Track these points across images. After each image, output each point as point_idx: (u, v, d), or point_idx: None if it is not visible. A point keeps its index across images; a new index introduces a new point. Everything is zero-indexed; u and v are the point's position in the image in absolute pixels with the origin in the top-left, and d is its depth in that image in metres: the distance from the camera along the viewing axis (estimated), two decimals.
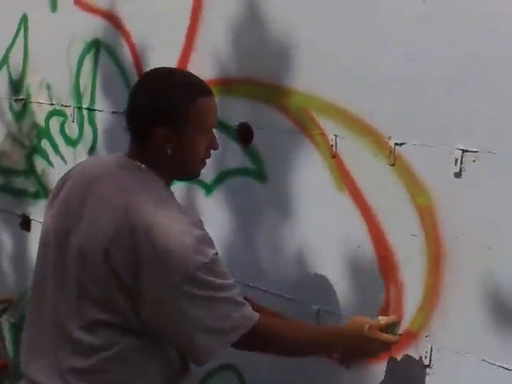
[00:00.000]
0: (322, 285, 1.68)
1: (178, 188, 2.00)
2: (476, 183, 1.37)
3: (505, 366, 1.35)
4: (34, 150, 2.64)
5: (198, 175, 1.42)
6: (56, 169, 2.50)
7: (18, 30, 2.60)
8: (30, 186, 2.68)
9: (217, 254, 1.29)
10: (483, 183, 1.36)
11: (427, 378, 1.47)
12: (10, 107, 2.72)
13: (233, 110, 1.83)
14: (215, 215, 1.92)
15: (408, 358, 1.50)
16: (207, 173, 1.92)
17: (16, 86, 2.67)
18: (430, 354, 1.47)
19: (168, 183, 1.37)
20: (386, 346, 1.44)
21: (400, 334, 1.48)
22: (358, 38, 1.52)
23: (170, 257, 1.22)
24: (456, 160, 1.38)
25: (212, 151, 1.40)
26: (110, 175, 1.34)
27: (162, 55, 2.00)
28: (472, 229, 1.38)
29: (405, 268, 1.50)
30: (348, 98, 1.56)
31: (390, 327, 1.46)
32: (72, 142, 2.44)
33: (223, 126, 1.86)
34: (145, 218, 1.24)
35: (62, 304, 1.30)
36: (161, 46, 2.02)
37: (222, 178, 1.90)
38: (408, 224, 1.48)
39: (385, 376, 1.56)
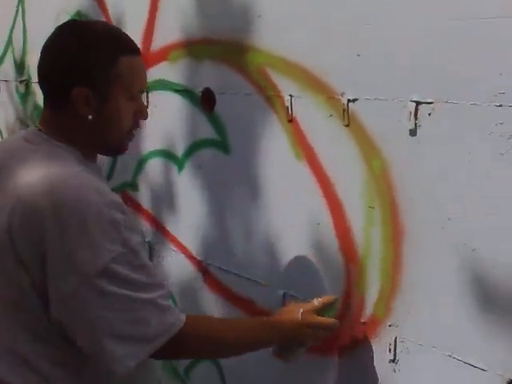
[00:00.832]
0: (287, 268, 1.50)
1: (153, 165, 1.91)
2: (433, 141, 1.14)
3: (474, 364, 1.12)
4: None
5: (124, 150, 1.21)
6: None
7: (16, 11, 2.58)
8: None
9: (141, 243, 1.10)
10: (440, 140, 1.13)
11: (390, 372, 1.26)
12: (16, 89, 2.72)
13: (196, 74, 1.69)
14: (187, 192, 1.79)
15: (371, 349, 1.30)
16: (177, 147, 1.80)
17: (19, 67, 2.66)
18: (395, 346, 1.26)
19: (88, 157, 1.16)
20: (326, 331, 1.25)
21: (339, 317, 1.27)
22: None
23: (77, 245, 1.02)
24: (409, 114, 1.16)
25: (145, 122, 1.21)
26: (16, 150, 1.15)
27: (132, 20, 1.88)
28: (431, 197, 1.15)
29: (364, 245, 1.30)
30: (302, 53, 1.36)
31: (328, 309, 1.26)
32: None
33: (186, 93, 1.72)
34: (45, 201, 1.03)
35: None
36: (131, 10, 1.90)
37: (191, 151, 1.76)
38: (364, 194, 1.27)
39: (346, 368, 1.36)
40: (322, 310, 1.26)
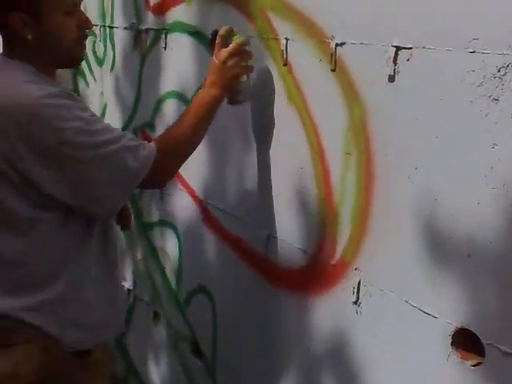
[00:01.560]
0: (272, 210, 1.54)
1: (168, 106, 1.97)
2: (409, 87, 1.13)
3: (427, 311, 1.13)
4: (77, 71, 2.74)
5: (80, 59, 1.37)
6: (90, 89, 2.58)
7: None
8: None
9: (94, 115, 1.29)
10: (416, 87, 1.12)
11: (353, 313, 1.30)
12: None
13: (207, 17, 1.71)
14: None
15: (339, 290, 1.33)
16: (189, 88, 1.85)
17: None
18: (358, 290, 1.28)
19: (45, 71, 1.30)
20: (243, 53, 1.39)
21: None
22: None
23: (38, 128, 1.20)
24: (388, 59, 1.15)
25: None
26: None
27: None
28: (402, 145, 1.15)
29: (339, 191, 1.31)
30: None
31: (231, 37, 1.39)
32: (100, 61, 2.49)
33: (199, 35, 1.76)
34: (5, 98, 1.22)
35: None
36: None
37: None
38: (344, 140, 1.28)
39: (315, 307, 1.40)
40: (227, 40, 1.38)
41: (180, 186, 1.95)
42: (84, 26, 1.32)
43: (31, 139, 1.22)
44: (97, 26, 2.44)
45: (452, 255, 1.08)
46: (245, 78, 1.42)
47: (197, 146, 1.45)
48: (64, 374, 1.35)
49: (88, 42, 2.53)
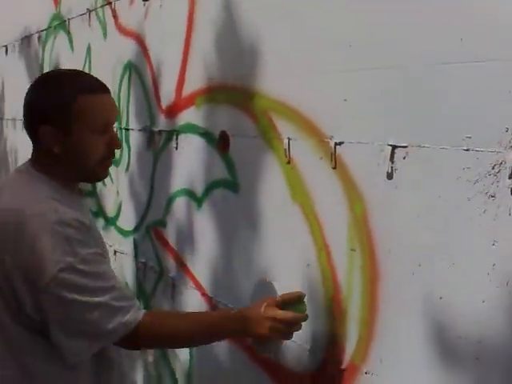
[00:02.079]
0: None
1: (179, 204, 2.00)
2: (407, 184, 1.13)
3: None
4: None
5: (103, 176, 1.34)
6: (107, 188, 2.65)
7: (85, 59, 2.86)
8: (92, 206, 2.87)
9: (97, 253, 1.22)
10: (414, 184, 1.11)
11: None
12: None
13: (215, 118, 1.78)
14: (204, 229, 1.86)
15: None
16: (198, 186, 1.89)
17: None
18: None
19: (67, 185, 1.29)
20: (288, 324, 1.26)
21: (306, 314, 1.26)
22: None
23: (34, 257, 1.18)
24: (385, 158, 1.16)
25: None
26: (8, 179, 1.38)
27: (169, 70, 2.04)
28: (403, 242, 1.13)
29: (346, 290, 1.28)
30: (298, 98, 1.41)
31: (295, 305, 1.26)
32: (116, 162, 2.58)
33: (207, 136, 1.82)
34: (10, 220, 1.21)
35: None
36: (168, 61, 2.06)
37: (208, 190, 1.84)
38: (348, 237, 1.27)
39: None
40: (287, 306, 1.26)
41: (191, 284, 1.94)
42: (113, 145, 1.30)
43: (26, 260, 1.19)
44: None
45: (460, 357, 1.02)
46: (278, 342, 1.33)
47: (183, 347, 1.47)
48: None
49: None
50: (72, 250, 1.18)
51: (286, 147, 1.46)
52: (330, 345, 1.32)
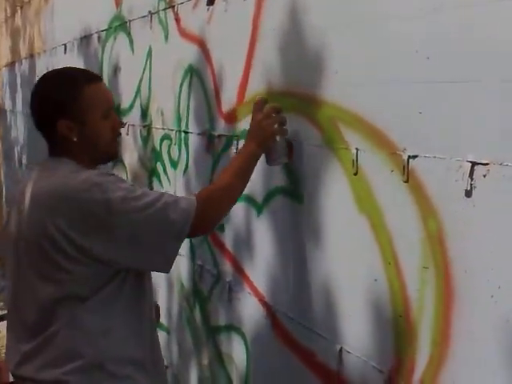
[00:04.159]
0: (344, 321, 1.48)
1: (238, 209, 2.00)
2: (488, 204, 1.08)
3: None
4: (153, 172, 2.88)
5: (115, 154, 1.57)
6: (164, 189, 2.68)
7: (145, 61, 2.90)
8: None
9: (132, 185, 1.47)
10: (495, 204, 1.06)
11: None
12: (140, 133, 3.03)
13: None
14: (263, 237, 1.85)
15: None
16: (258, 193, 1.88)
17: (144, 113, 2.96)
18: None
19: (89, 166, 1.48)
20: (277, 115, 1.56)
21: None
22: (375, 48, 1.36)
23: (88, 207, 1.36)
24: (463, 174, 1.11)
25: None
26: (34, 176, 1.51)
27: (231, 73, 2.03)
28: (483, 262, 1.08)
29: (417, 307, 1.24)
30: (369, 108, 1.38)
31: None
32: (174, 164, 2.60)
33: None
34: (49, 188, 1.40)
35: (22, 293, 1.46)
36: (230, 65, 2.06)
37: (269, 197, 1.82)
38: (420, 253, 1.23)
39: None
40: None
41: (248, 290, 1.93)
42: (118, 126, 1.53)
43: (82, 214, 1.37)
44: (172, 130, 2.59)
45: None
46: (278, 138, 1.56)
47: (236, 199, 1.59)
48: None
49: (165, 146, 2.70)
50: (119, 186, 1.39)
51: (354, 158, 1.43)
52: (397, 362, 1.29)
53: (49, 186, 1.42)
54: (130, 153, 3.14)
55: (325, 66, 1.55)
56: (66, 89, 1.46)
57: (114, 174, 1.49)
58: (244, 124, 1.94)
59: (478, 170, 1.10)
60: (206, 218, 1.45)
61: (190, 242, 2.35)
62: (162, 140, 2.73)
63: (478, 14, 1.11)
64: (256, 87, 1.88)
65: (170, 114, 2.60)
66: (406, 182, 1.27)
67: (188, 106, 2.41)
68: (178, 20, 2.50)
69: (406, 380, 1.26)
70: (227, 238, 2.08)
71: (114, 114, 1.53)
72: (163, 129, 2.70)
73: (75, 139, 1.45)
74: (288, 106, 1.72)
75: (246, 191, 1.95)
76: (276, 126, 1.57)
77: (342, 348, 1.47)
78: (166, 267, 1.45)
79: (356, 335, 1.43)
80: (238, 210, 2.00)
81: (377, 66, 1.36)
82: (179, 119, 2.52)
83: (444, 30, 1.18)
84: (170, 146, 2.64)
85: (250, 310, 1.92)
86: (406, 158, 1.27)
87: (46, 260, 1.39)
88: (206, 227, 1.55)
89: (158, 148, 2.77)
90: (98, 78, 1.53)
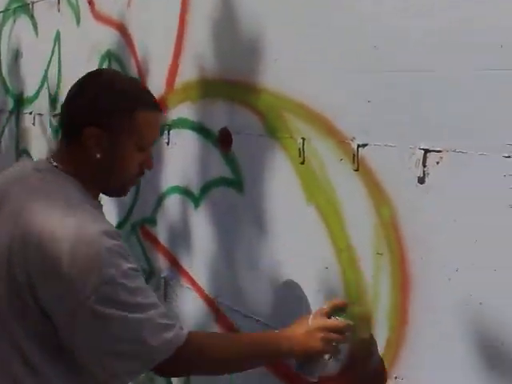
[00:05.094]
0: (294, 312, 1.47)
1: (171, 201, 1.93)
2: (441, 190, 1.12)
3: None
4: None
5: (124, 194, 1.28)
6: None
7: (53, 46, 2.70)
8: None
9: (135, 269, 1.12)
10: (448, 190, 1.11)
11: None
12: (50, 123, 2.82)
13: (213, 114, 1.72)
14: (201, 229, 1.80)
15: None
16: (194, 184, 1.82)
17: (53, 101, 2.76)
18: None
19: (93, 195, 1.22)
20: (339, 333, 1.23)
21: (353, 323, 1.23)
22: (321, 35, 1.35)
23: (74, 269, 1.07)
24: (417, 162, 1.14)
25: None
26: (23, 178, 1.22)
27: (158, 60, 1.94)
28: (438, 247, 1.12)
29: (372, 293, 1.27)
30: (315, 97, 1.37)
31: (338, 313, 1.23)
32: None
33: (205, 132, 1.75)
34: (39, 226, 1.10)
35: None
36: (157, 51, 1.96)
37: (206, 189, 1.78)
38: (373, 240, 1.25)
39: None
40: (333, 314, 1.23)
41: (187, 284, 1.88)
42: (147, 165, 1.25)
43: (63, 273, 1.08)
44: None
45: (503, 365, 1.03)
46: (327, 357, 1.25)
47: (223, 373, 1.34)
48: None
49: None
50: (114, 262, 1.09)
51: (300, 147, 1.42)
52: (354, 349, 1.31)
53: (44, 222, 1.11)
54: (38, 144, 2.92)
55: (262, 52, 1.52)
56: (117, 98, 1.18)
57: (120, 237, 1.15)
58: (177, 112, 1.86)
59: (431, 157, 1.14)
60: (183, 364, 1.15)
61: None
62: None
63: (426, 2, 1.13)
64: (188, 74, 1.81)
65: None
66: (356, 170, 1.29)
67: None
68: (91, 3, 2.34)
69: (365, 364, 1.28)
70: (161, 232, 2.00)
71: (149, 151, 1.25)
72: None
73: (98, 156, 1.17)
74: (223, 93, 1.67)
75: (182, 183, 1.89)
76: (333, 343, 1.24)
77: None
78: (114, 382, 1.15)
79: None
80: (173, 203, 1.93)
81: (322, 54, 1.36)
82: None
83: (392, 19, 1.20)
84: None
85: (189, 304, 1.87)
86: (355, 146, 1.28)
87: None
88: (176, 371, 1.22)
89: None
90: (159, 108, 1.25)
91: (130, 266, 1.12)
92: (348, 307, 1.25)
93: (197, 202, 1.81)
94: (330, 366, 1.26)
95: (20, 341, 1.13)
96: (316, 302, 1.40)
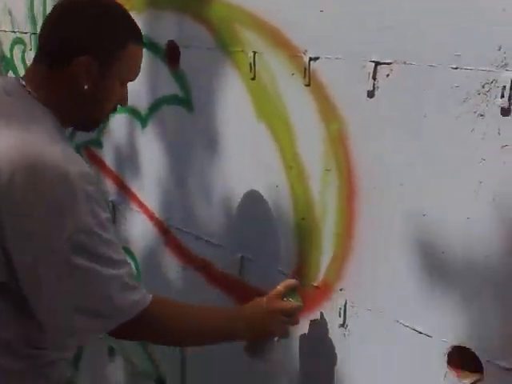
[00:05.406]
0: (244, 230, 1.48)
1: (117, 122, 1.86)
2: (390, 103, 1.11)
3: (420, 330, 1.12)
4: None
5: (95, 129, 1.23)
6: None
7: None
8: None
9: (109, 220, 1.06)
10: (398, 103, 1.10)
11: (341, 336, 1.26)
12: None
13: (160, 26, 1.62)
14: (150, 151, 1.75)
15: (322, 314, 1.29)
16: (141, 103, 1.75)
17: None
18: (345, 311, 1.25)
19: (62, 123, 1.13)
20: (292, 318, 1.24)
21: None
22: None
23: (49, 210, 1.00)
24: (367, 75, 1.12)
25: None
26: None
27: None
28: (385, 161, 1.13)
29: (319, 208, 1.27)
30: (266, 8, 1.31)
31: (291, 294, 1.24)
32: None
33: (152, 46, 1.66)
34: (26, 161, 1.00)
35: None
36: None
37: (154, 108, 1.71)
38: (322, 156, 1.24)
39: (299, 334, 1.36)
40: (286, 295, 1.24)
41: (135, 207, 1.85)
42: (122, 101, 1.21)
43: (35, 215, 1.00)
44: (26, 33, 2.28)
45: (444, 271, 1.07)
46: (276, 339, 1.25)
47: (180, 345, 1.37)
48: None
49: (17, 52, 2.38)
50: (92, 210, 1.02)
51: (251, 61, 1.36)
52: (301, 264, 1.33)
53: (18, 152, 1.01)
54: None
55: None
56: (115, 27, 1.12)
57: (96, 181, 1.07)
58: None
59: (382, 69, 1.12)
60: (143, 328, 1.10)
61: None
62: (13, 45, 2.40)
63: None
64: None
65: (22, 15, 2.28)
66: (307, 85, 1.25)
67: (44, 3, 2.12)
68: None
69: (310, 278, 1.31)
70: (107, 155, 1.94)
71: (126, 87, 1.20)
72: (14, 32, 2.37)
73: (86, 87, 1.10)
74: (171, 3, 1.57)
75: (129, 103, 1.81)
76: (285, 326, 1.24)
77: (242, 256, 1.48)
78: (61, 336, 1.08)
79: (257, 243, 1.45)
80: (119, 123, 1.85)
81: None
82: (34, 20, 2.22)
83: None
84: (23, 52, 2.33)
85: (138, 227, 1.84)
86: (307, 60, 1.24)
87: None
88: (134, 335, 1.15)
89: (9, 54, 2.44)
90: (142, 42, 1.19)
91: (105, 215, 1.06)
92: (295, 289, 1.25)
93: (144, 121, 1.75)
94: (277, 348, 1.26)
95: None
96: (266, 220, 1.40)
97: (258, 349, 1.25)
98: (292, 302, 1.23)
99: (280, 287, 1.24)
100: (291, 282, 1.26)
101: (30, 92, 1.11)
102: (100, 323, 1.06)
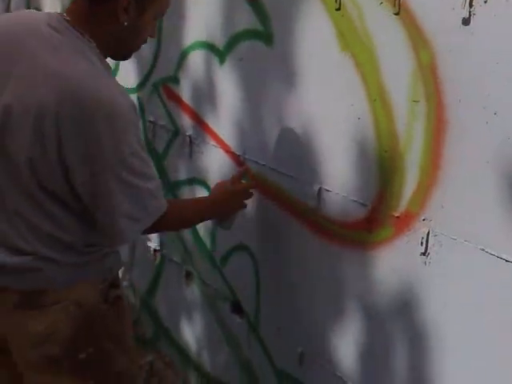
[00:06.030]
0: (323, 162, 1.50)
1: (195, 58, 1.89)
2: (487, 32, 1.08)
3: (504, 257, 1.13)
4: None
5: (130, 57, 1.36)
6: None
7: None
8: None
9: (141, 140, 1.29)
10: (495, 32, 1.07)
11: (421, 264, 1.29)
12: None
13: None
14: (227, 86, 1.78)
15: (404, 242, 1.32)
16: (220, 38, 1.76)
17: None
18: (427, 240, 1.27)
19: (104, 56, 1.28)
20: (247, 193, 1.62)
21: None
22: None
23: (107, 136, 1.18)
24: (464, 1, 1.09)
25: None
26: (38, 33, 1.23)
27: None
28: (478, 91, 1.11)
29: (404, 140, 1.28)
30: None
31: (245, 177, 1.66)
32: None
33: None
34: (90, 92, 1.17)
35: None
36: None
37: (232, 43, 1.72)
38: (410, 87, 1.24)
39: (378, 261, 1.39)
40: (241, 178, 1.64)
41: (213, 142, 1.90)
42: (152, 34, 1.33)
43: (94, 138, 1.18)
44: None
45: None
46: (238, 212, 1.64)
47: (185, 229, 1.93)
48: (100, 325, 1.36)
49: None
50: (136, 136, 1.23)
51: None
52: (382, 194, 1.35)
53: (68, 78, 1.17)
54: (51, 2, 2.80)
55: None
56: None
57: (136, 111, 1.29)
58: None
59: None
60: (161, 225, 1.34)
61: (138, 98, 2.22)
62: None
63: None
64: None
65: None
66: (396, 14, 1.24)
67: None
68: None
69: (392, 208, 1.33)
70: (184, 91, 1.98)
71: (156, 22, 1.33)
72: None
73: (125, 23, 1.22)
74: None
75: (205, 38, 1.84)
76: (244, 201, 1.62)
77: (321, 188, 1.51)
78: (109, 239, 1.33)
79: (337, 174, 1.47)
80: (196, 59, 1.88)
81: None
82: None
83: None
84: None
85: (215, 162, 1.90)
86: None
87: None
88: (153, 231, 1.43)
89: None
90: None
91: (141, 139, 1.28)
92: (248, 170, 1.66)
93: (222, 57, 1.77)
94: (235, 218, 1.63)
95: (34, 191, 1.24)
96: (346, 152, 1.42)
97: (227, 220, 1.63)
98: (246, 183, 1.64)
99: (237, 172, 1.65)
100: (244, 166, 1.67)
101: (74, 27, 1.23)
102: (138, 225, 1.31)
